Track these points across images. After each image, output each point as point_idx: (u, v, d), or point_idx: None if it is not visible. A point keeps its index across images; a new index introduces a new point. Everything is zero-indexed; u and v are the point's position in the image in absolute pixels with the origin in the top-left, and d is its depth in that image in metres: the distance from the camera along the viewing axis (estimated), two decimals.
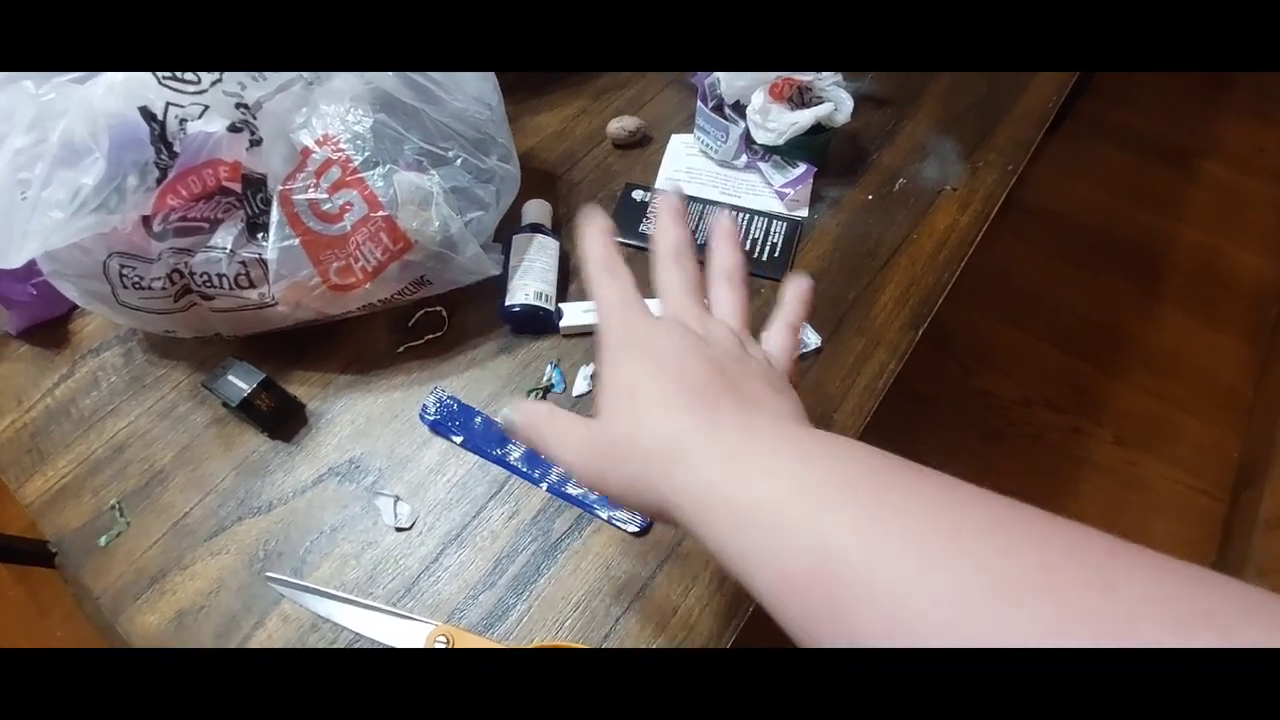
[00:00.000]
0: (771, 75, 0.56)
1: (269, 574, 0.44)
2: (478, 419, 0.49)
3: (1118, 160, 1.73)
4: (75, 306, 0.56)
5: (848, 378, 0.51)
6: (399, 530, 0.46)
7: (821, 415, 0.49)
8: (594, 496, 0.46)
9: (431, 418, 0.49)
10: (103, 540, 0.46)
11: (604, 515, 0.45)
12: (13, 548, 0.73)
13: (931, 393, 1.38)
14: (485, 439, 0.48)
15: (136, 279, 0.45)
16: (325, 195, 0.44)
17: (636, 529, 0.45)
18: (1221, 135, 1.78)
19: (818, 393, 0.50)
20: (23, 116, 0.38)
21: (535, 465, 0.47)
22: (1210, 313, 1.51)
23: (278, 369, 0.52)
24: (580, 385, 0.51)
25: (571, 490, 0.46)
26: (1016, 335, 1.48)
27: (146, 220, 0.44)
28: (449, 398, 0.50)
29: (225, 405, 0.48)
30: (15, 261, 0.39)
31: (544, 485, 0.46)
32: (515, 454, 0.47)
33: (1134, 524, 1.26)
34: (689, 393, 0.26)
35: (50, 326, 0.55)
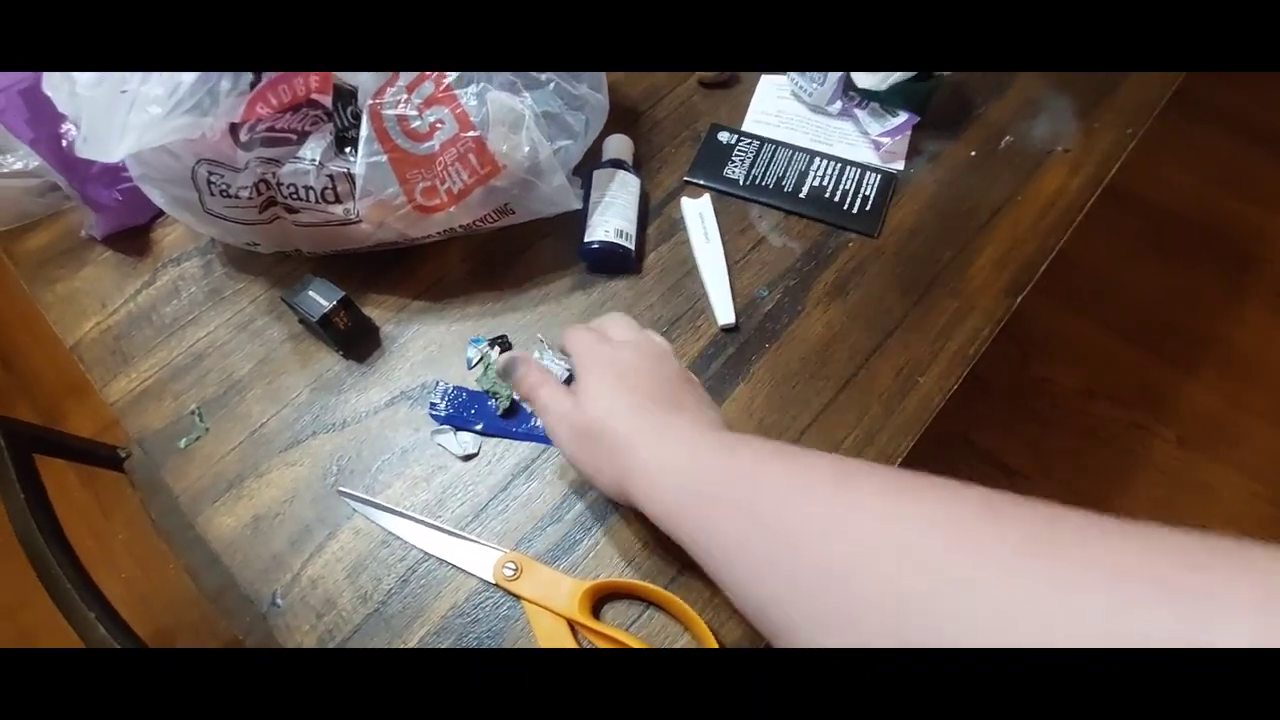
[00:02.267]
0: None
1: (341, 489, 0.45)
2: (491, 401, 0.47)
3: (1218, 144, 1.62)
4: (157, 215, 0.56)
5: (938, 340, 0.49)
6: (467, 458, 0.46)
7: (908, 376, 0.47)
8: None
9: (443, 413, 0.47)
10: (183, 443, 0.47)
11: None
12: (86, 450, 0.75)
13: (988, 375, 1.33)
14: (505, 420, 0.47)
15: (224, 186, 0.45)
16: (416, 112, 0.43)
17: None
18: None
19: (903, 355, 0.48)
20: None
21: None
22: None
23: (354, 290, 0.51)
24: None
25: None
26: (1084, 323, 1.41)
27: (234, 129, 0.44)
28: (455, 388, 0.48)
29: (302, 322, 0.48)
30: (115, 155, 0.39)
31: None
32: (541, 426, 0.46)
33: (1187, 527, 1.21)
34: (640, 403, 0.36)
35: (133, 234, 0.56)
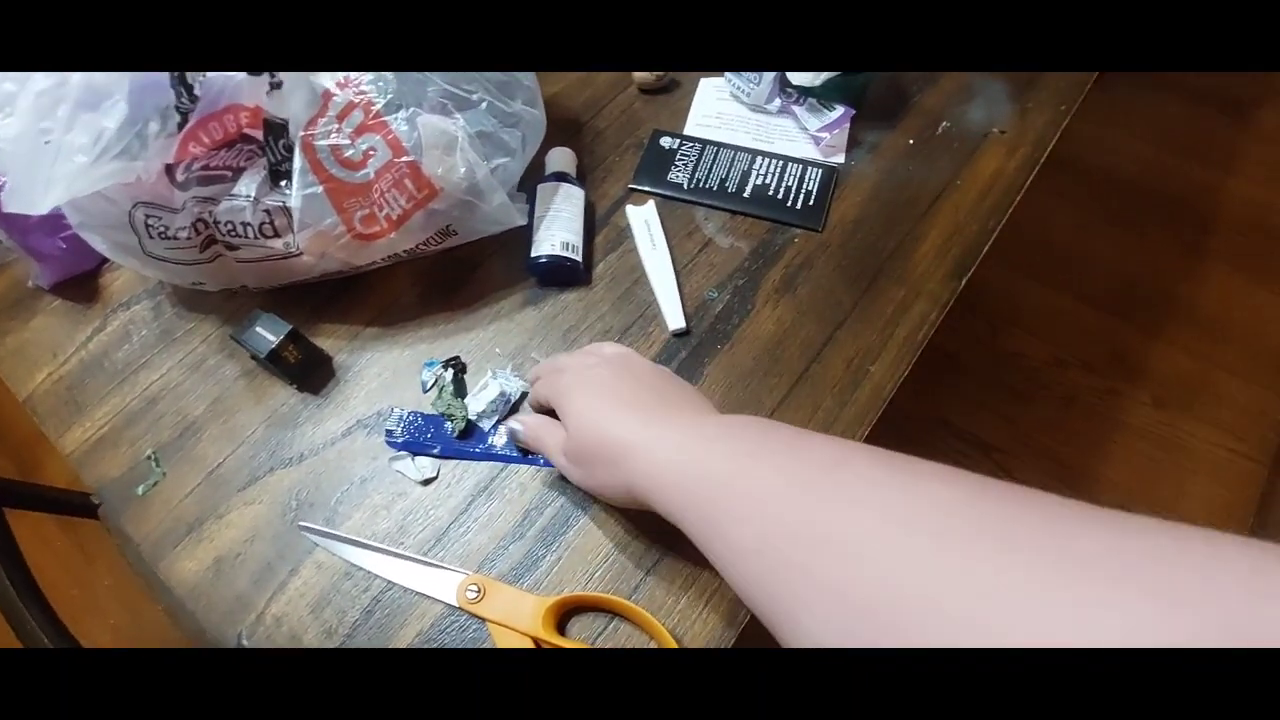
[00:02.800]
0: None
1: (302, 523, 0.45)
2: (447, 424, 0.47)
3: (1166, 109, 1.64)
4: (104, 260, 0.56)
5: (887, 328, 0.50)
6: (426, 482, 0.46)
7: (859, 367, 0.48)
8: None
9: (399, 440, 0.47)
10: (140, 490, 0.47)
11: None
12: (58, 500, 0.74)
13: (959, 351, 1.35)
14: (462, 441, 0.47)
15: (162, 229, 0.45)
16: (348, 141, 0.43)
17: None
18: (1277, 81, 1.68)
19: (853, 345, 0.49)
20: None
21: (528, 454, 0.46)
22: (1260, 269, 1.45)
23: (304, 321, 0.52)
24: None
25: None
26: (1050, 294, 1.43)
27: (170, 169, 0.43)
28: (410, 413, 0.47)
29: (254, 357, 0.48)
30: (42, 208, 0.39)
31: (535, 466, 0.46)
32: (499, 444, 0.46)
33: (1170, 488, 1.23)
34: (626, 406, 0.36)
35: (81, 280, 0.55)
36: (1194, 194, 1.55)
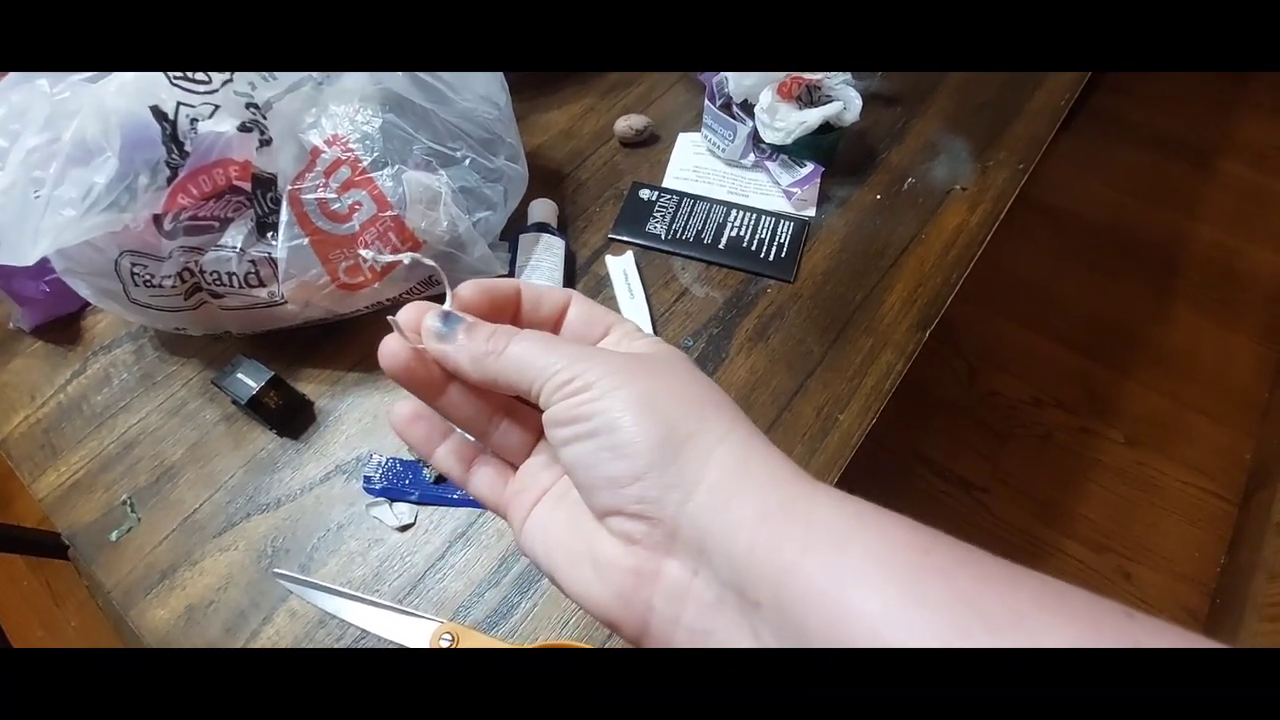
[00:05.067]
0: (780, 74, 0.56)
1: (277, 570, 0.45)
2: (425, 470, 0.47)
3: (1133, 157, 1.71)
4: (87, 303, 0.56)
5: (854, 378, 0.51)
6: (403, 529, 0.46)
7: (827, 416, 0.49)
8: None
9: (377, 486, 0.47)
10: (114, 535, 0.47)
11: None
12: (28, 539, 0.74)
13: (939, 391, 1.37)
14: (439, 487, 0.47)
15: (148, 277, 0.46)
16: (334, 195, 0.45)
17: None
18: (1239, 133, 1.76)
19: (823, 394, 0.50)
20: (37, 115, 0.38)
21: None
22: (1226, 313, 1.49)
23: (287, 367, 0.52)
24: None
25: None
26: (1027, 335, 1.47)
27: (158, 219, 0.45)
28: (389, 459, 0.48)
29: (234, 403, 0.48)
30: (29, 259, 0.40)
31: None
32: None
33: (1143, 526, 1.25)
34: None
35: (63, 323, 0.56)
36: (1162, 238, 1.61)
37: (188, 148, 0.41)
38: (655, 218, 0.58)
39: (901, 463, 1.30)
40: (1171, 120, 1.75)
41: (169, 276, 0.45)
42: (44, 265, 0.51)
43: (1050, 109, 0.67)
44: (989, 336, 1.44)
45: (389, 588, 0.44)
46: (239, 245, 0.44)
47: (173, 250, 0.45)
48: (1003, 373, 1.40)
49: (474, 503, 0.46)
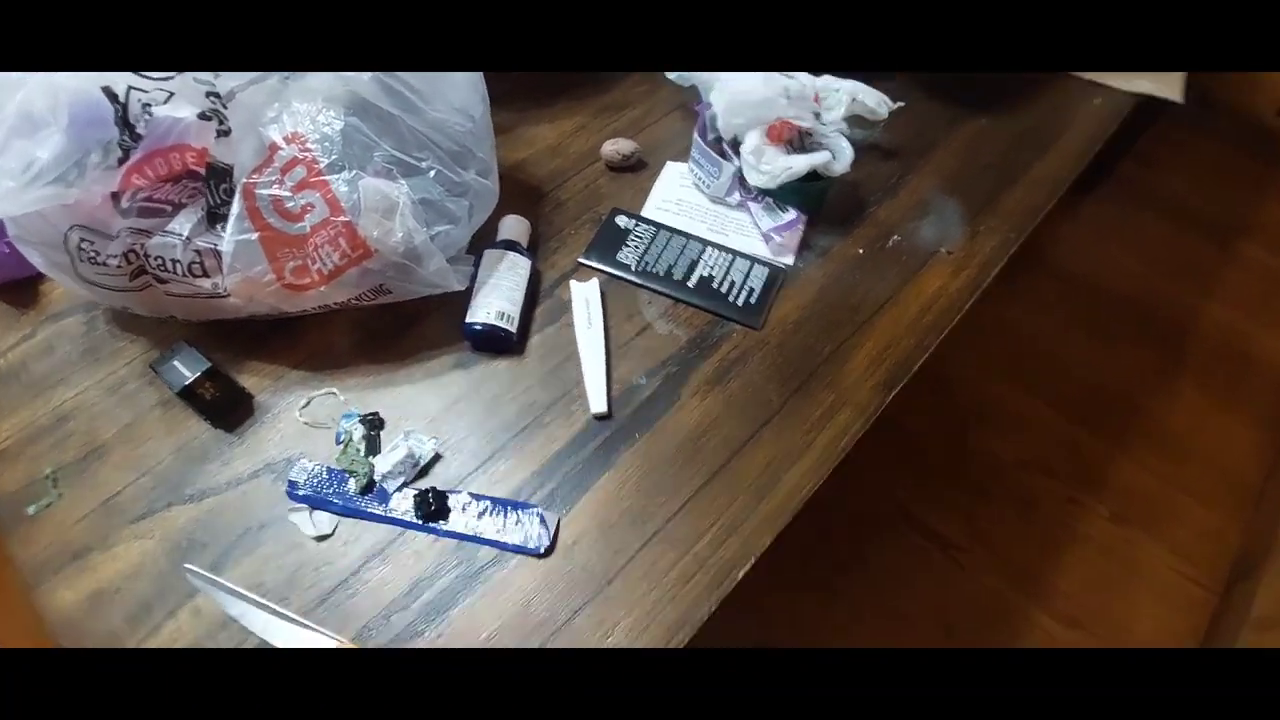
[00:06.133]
0: (771, 116, 0.54)
1: (188, 566, 0.44)
2: (351, 481, 0.46)
3: (1154, 229, 1.68)
4: None
5: (810, 433, 0.49)
6: (321, 539, 0.45)
7: (777, 468, 0.48)
8: (497, 534, 0.45)
9: (302, 491, 0.46)
10: (31, 509, 0.46)
11: (512, 544, 0.44)
12: None
13: (926, 443, 1.35)
14: (362, 500, 0.46)
15: (94, 254, 0.45)
16: (289, 193, 0.44)
17: (539, 551, 0.44)
18: (1265, 216, 1.72)
19: (775, 446, 0.49)
20: None
21: (428, 520, 0.45)
22: (1229, 396, 1.46)
23: (232, 356, 0.52)
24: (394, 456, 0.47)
25: (470, 531, 0.45)
26: (1024, 397, 1.44)
27: (115, 196, 0.44)
28: (317, 466, 0.47)
29: (170, 389, 0.48)
30: None
31: (434, 535, 0.45)
32: (401, 508, 0.45)
33: (1120, 606, 1.22)
34: None
35: (22, 285, 0.55)
36: (1172, 313, 1.57)
37: (140, 130, 0.40)
38: (628, 247, 0.57)
39: (881, 512, 1.28)
40: (1198, 196, 1.72)
41: (115, 256, 0.45)
42: (1, 228, 0.51)
43: (1053, 178, 0.65)
44: (986, 395, 1.42)
45: (300, 597, 0.43)
46: (185, 234, 0.44)
47: (121, 230, 0.44)
48: (995, 433, 1.38)
49: (396, 520, 0.45)
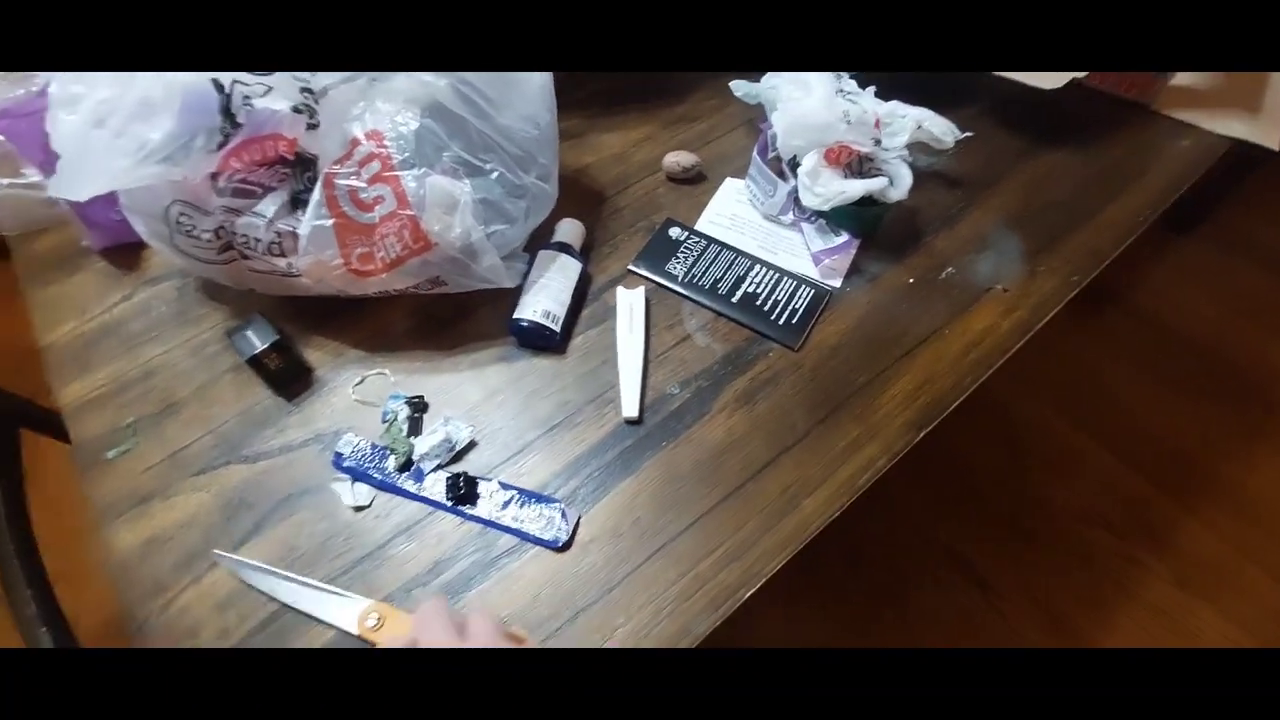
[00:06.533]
0: (830, 139, 0.55)
1: (217, 551, 0.46)
2: (391, 458, 0.49)
3: (1248, 278, 1.57)
4: None
5: (832, 464, 0.49)
6: (358, 509, 0.48)
7: (793, 496, 0.48)
8: (519, 523, 0.47)
9: (346, 463, 0.49)
10: (110, 454, 0.51)
11: (532, 535, 0.46)
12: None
13: (981, 480, 1.30)
14: (399, 478, 0.48)
15: (190, 227, 0.49)
16: (364, 184, 0.47)
17: (558, 545, 0.46)
18: None
19: (795, 473, 0.49)
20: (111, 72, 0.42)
21: (460, 503, 0.47)
22: None
23: (301, 329, 0.56)
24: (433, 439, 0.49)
25: (495, 518, 0.47)
26: (1090, 444, 1.37)
27: (215, 176, 0.48)
28: (363, 440, 0.50)
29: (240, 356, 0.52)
30: (82, 195, 0.44)
31: (460, 518, 0.47)
32: (433, 489, 0.48)
33: None
34: None
35: (125, 250, 0.61)
36: (1261, 370, 1.47)
37: (240, 119, 0.44)
38: (678, 258, 0.58)
39: (922, 546, 1.25)
40: None
41: (207, 231, 0.49)
42: (115, 198, 0.56)
43: (1122, 223, 0.63)
44: (1049, 439, 1.36)
45: (329, 564, 0.46)
46: (269, 216, 0.48)
47: (216, 207, 0.49)
48: (1054, 477, 1.32)
49: (427, 500, 0.48)
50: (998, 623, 1.19)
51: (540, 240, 0.57)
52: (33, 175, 0.60)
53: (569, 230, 0.58)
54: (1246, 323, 1.51)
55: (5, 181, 0.59)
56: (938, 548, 1.26)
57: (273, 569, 0.45)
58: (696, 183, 0.65)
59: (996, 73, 0.62)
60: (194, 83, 0.43)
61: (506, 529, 0.47)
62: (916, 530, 1.25)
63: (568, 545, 0.46)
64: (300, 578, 0.45)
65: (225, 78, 0.43)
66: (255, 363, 0.50)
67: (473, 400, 0.53)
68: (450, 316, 0.56)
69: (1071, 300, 0.57)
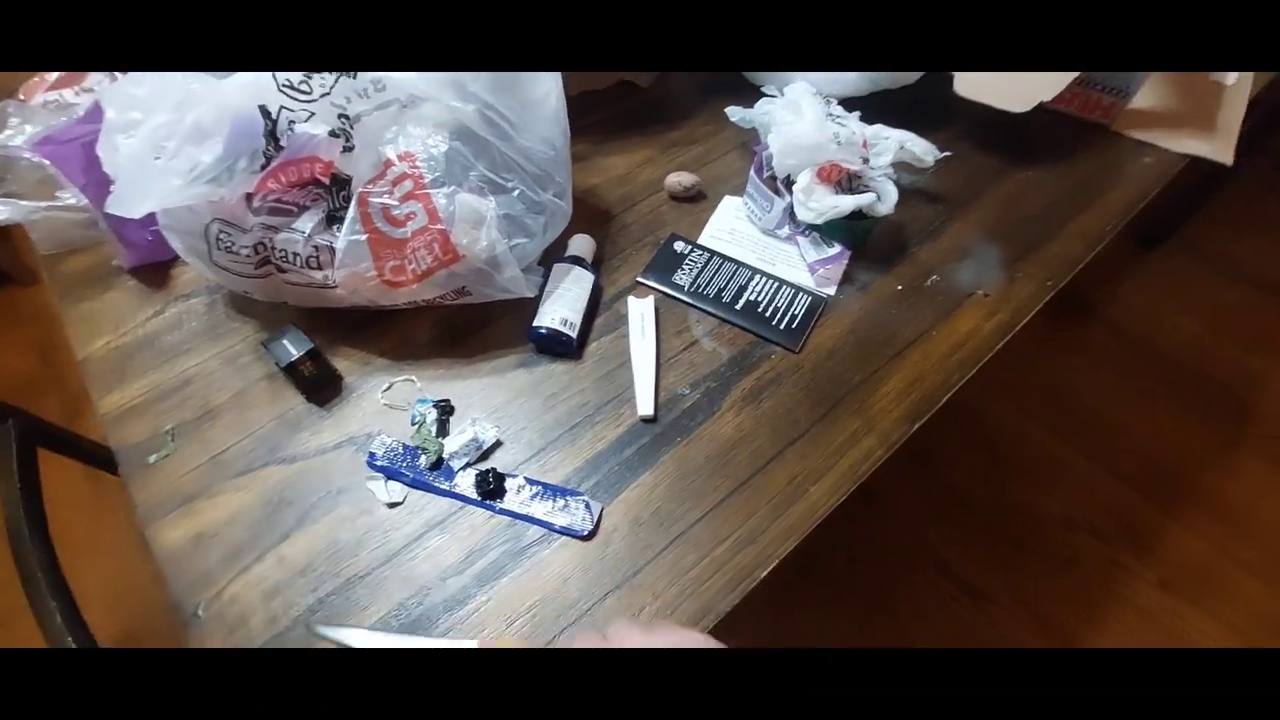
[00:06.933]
0: (822, 159, 0.59)
1: (316, 627, 0.45)
2: (423, 456, 0.52)
3: (1223, 293, 1.64)
4: (178, 256, 0.64)
5: (834, 456, 0.53)
6: (392, 505, 0.51)
7: (799, 485, 0.51)
8: (546, 515, 0.50)
9: (380, 462, 0.52)
10: (152, 458, 0.53)
11: (559, 526, 0.49)
12: (88, 451, 0.83)
13: (967, 490, 1.34)
14: (431, 475, 0.51)
15: (229, 243, 0.53)
16: (396, 202, 0.51)
17: (584, 534, 0.49)
18: None
19: (800, 464, 0.52)
20: (170, 98, 0.46)
21: (489, 497, 0.50)
22: None
23: (330, 340, 0.59)
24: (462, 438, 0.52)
25: (523, 511, 0.50)
26: (1073, 454, 1.42)
27: (250, 196, 0.52)
28: (395, 441, 0.53)
29: (276, 364, 0.55)
30: (137, 212, 0.47)
31: (490, 511, 0.50)
32: (463, 485, 0.51)
33: None
34: None
35: (157, 269, 0.64)
36: (1238, 381, 1.53)
37: (283, 143, 0.48)
38: (683, 269, 0.63)
39: (912, 554, 1.28)
40: (1269, 260, 1.68)
41: (246, 247, 0.53)
42: (150, 217, 0.59)
43: (1095, 233, 0.68)
44: (1032, 449, 1.40)
45: (367, 554, 0.49)
46: (307, 231, 0.51)
47: (254, 225, 0.52)
48: (1039, 488, 1.36)
49: (458, 496, 0.51)
50: (986, 627, 1.22)
51: (554, 255, 0.61)
52: (68, 198, 0.63)
53: (581, 245, 0.62)
54: (1220, 334, 1.58)
55: (44, 204, 0.63)
56: (927, 555, 1.29)
57: (373, 630, 0.45)
58: (697, 201, 0.69)
59: (968, 97, 0.68)
60: (243, 108, 0.47)
61: (535, 520, 0.50)
62: (906, 538, 1.29)
63: (592, 534, 0.49)
64: (408, 638, 0.45)
65: (273, 105, 0.47)
66: (291, 370, 0.53)
67: (496, 403, 0.56)
68: (472, 326, 0.60)
69: (1053, 315, 0.61)
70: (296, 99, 0.48)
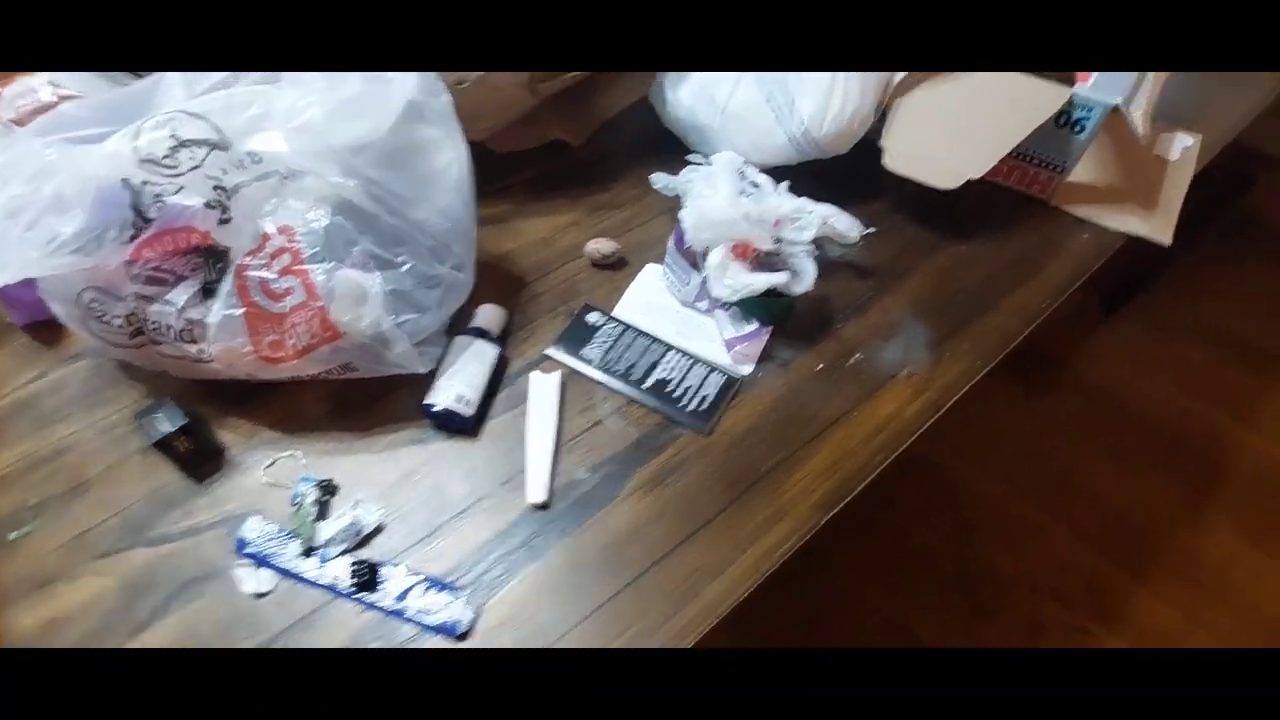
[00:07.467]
0: (733, 235, 0.57)
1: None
2: (296, 541, 0.49)
3: (1192, 353, 1.63)
4: None
5: (738, 548, 0.50)
6: (257, 596, 0.47)
7: (693, 584, 0.48)
8: (420, 612, 0.46)
9: (250, 549, 0.49)
10: (12, 536, 0.50)
11: (433, 625, 0.46)
12: None
13: (928, 549, 1.30)
14: (303, 563, 0.48)
15: (101, 313, 0.50)
16: (275, 276, 0.49)
17: (457, 634, 0.46)
18: None
19: (702, 557, 0.49)
20: (26, 168, 0.44)
21: (362, 590, 0.47)
22: (1268, 534, 1.38)
23: (216, 410, 0.56)
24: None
25: (396, 607, 0.47)
26: (1038, 515, 1.38)
27: (130, 264, 0.49)
28: (269, 524, 0.50)
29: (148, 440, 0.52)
30: None
31: (362, 606, 0.47)
32: (338, 575, 0.48)
33: None
34: None
35: (46, 326, 0.61)
36: (1207, 442, 1.51)
37: (150, 214, 0.46)
38: (594, 343, 0.60)
39: (866, 618, 1.24)
40: (1237, 321, 1.67)
41: (119, 317, 0.50)
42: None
43: (1033, 308, 0.66)
44: (997, 509, 1.37)
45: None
46: (180, 304, 0.49)
47: (129, 294, 0.50)
48: (1003, 548, 1.33)
49: (331, 588, 0.48)
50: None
51: (463, 322, 0.59)
52: None
53: (488, 315, 0.59)
54: (1186, 395, 1.56)
55: None
56: (881, 620, 1.25)
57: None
58: (618, 268, 0.67)
59: (897, 173, 0.66)
60: (106, 179, 0.45)
61: (408, 619, 0.46)
62: (860, 603, 1.25)
63: (467, 634, 0.46)
64: None
65: (136, 177, 0.45)
66: (163, 445, 0.50)
67: (386, 482, 0.53)
68: (366, 399, 0.57)
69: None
70: (161, 172, 0.45)
